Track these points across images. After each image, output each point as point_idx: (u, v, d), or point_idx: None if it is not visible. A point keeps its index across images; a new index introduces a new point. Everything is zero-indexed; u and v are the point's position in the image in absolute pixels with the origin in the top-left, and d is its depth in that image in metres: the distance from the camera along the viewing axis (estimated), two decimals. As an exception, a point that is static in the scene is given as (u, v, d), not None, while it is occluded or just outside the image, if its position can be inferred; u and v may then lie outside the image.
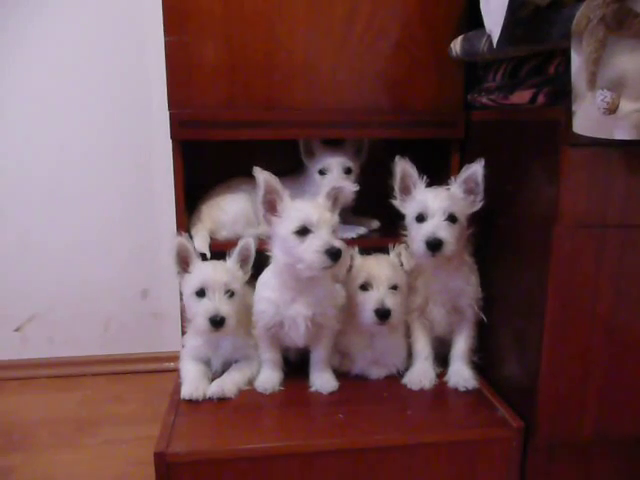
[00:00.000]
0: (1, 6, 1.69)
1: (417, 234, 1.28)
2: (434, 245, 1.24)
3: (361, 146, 1.58)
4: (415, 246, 1.29)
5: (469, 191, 1.31)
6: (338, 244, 1.19)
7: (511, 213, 1.28)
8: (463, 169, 1.32)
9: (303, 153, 1.55)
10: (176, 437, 1.16)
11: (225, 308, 1.27)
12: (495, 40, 1.07)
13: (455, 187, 1.32)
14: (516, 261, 1.27)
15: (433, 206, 1.27)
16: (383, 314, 1.28)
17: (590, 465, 1.25)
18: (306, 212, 1.21)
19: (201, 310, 1.28)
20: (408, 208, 1.34)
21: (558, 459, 1.23)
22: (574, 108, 0.94)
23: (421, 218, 1.29)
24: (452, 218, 1.27)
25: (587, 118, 0.92)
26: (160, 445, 1.12)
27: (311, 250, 1.18)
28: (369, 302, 1.30)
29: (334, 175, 1.50)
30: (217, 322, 1.26)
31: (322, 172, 1.52)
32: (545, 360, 1.15)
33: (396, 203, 1.36)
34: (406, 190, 1.35)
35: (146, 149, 1.83)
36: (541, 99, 1.10)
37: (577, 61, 0.90)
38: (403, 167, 1.33)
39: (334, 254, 1.18)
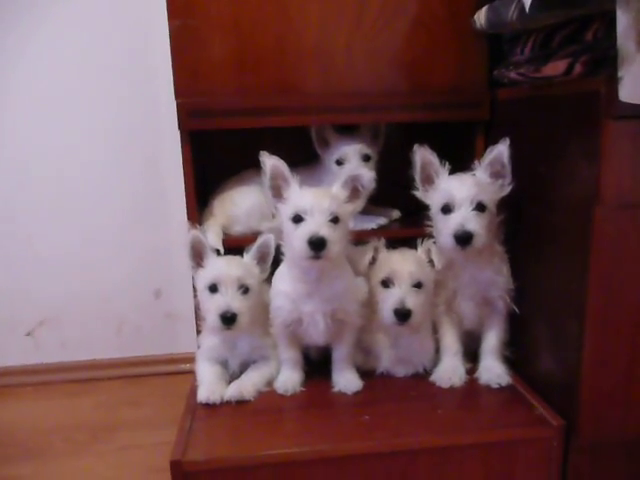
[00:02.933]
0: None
1: (444, 227, 1.20)
2: (464, 239, 1.16)
3: (378, 131, 1.50)
4: (442, 240, 1.21)
5: (496, 175, 1.23)
6: (323, 233, 1.12)
7: (545, 197, 1.19)
8: (487, 151, 1.24)
9: (316, 142, 1.48)
10: (193, 444, 1.10)
11: (237, 304, 1.22)
12: (527, 4, 0.98)
13: (480, 172, 1.24)
14: (551, 248, 1.18)
15: (459, 195, 1.19)
16: (403, 315, 1.21)
17: (636, 465, 1.16)
18: (301, 198, 1.16)
19: (212, 306, 1.22)
20: (432, 199, 1.26)
21: (602, 459, 1.15)
22: (620, 74, 0.86)
23: (447, 209, 1.21)
24: (480, 207, 1.19)
25: (636, 84, 0.84)
26: (176, 453, 1.06)
27: (297, 238, 1.13)
28: (389, 300, 1.23)
29: (353, 164, 1.43)
30: (228, 319, 1.21)
31: (339, 162, 1.45)
32: (587, 355, 1.07)
33: (418, 194, 1.28)
34: (428, 179, 1.27)
35: (156, 144, 1.78)
36: (578, 69, 1.01)
37: (624, 20, 0.81)
38: (423, 155, 1.26)
39: (314, 243, 1.11)
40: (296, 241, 1.14)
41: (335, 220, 1.15)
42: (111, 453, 1.47)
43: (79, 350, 1.88)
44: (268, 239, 1.30)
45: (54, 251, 1.82)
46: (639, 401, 1.09)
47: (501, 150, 1.21)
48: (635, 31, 0.79)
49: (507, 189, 1.23)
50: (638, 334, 1.06)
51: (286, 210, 1.18)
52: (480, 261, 1.25)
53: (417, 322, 1.24)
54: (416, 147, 1.25)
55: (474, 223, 1.17)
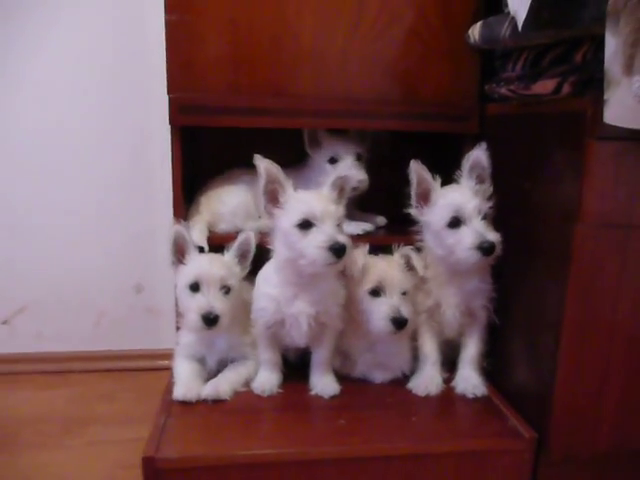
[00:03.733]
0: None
1: (458, 241, 1.19)
2: (489, 249, 1.16)
3: (365, 134, 1.52)
4: (462, 254, 1.19)
5: (479, 180, 1.24)
6: (343, 239, 1.12)
7: (528, 211, 1.21)
8: (465, 158, 1.25)
9: (308, 143, 1.48)
10: (166, 441, 1.09)
11: (220, 305, 1.21)
12: (520, 23, 1.00)
13: (466, 180, 1.25)
14: (532, 262, 1.20)
15: (468, 207, 1.19)
16: (401, 323, 1.21)
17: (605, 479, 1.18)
18: (309, 204, 1.14)
19: (194, 306, 1.21)
20: (433, 215, 1.25)
21: (572, 472, 1.16)
22: (606, 96, 0.88)
23: (456, 223, 1.21)
24: (485, 216, 1.21)
25: (621, 107, 0.85)
26: (149, 449, 1.06)
27: (314, 245, 1.11)
28: (382, 310, 1.22)
29: (347, 162, 1.43)
30: (210, 320, 1.20)
31: (333, 160, 1.45)
32: (561, 369, 1.09)
33: (413, 212, 1.28)
34: (424, 196, 1.26)
35: (145, 135, 1.75)
36: (566, 89, 1.03)
37: (612, 44, 0.83)
38: (418, 171, 1.25)
39: (338, 250, 1.11)
40: (310, 248, 1.11)
41: (339, 224, 1.16)
42: (82, 447, 1.44)
43: (56, 341, 1.85)
44: (248, 237, 1.30)
45: (34, 239, 1.79)
46: (610, 418, 1.11)
47: (478, 154, 1.23)
48: (622, 56, 0.81)
49: (490, 194, 1.23)
50: (612, 351, 1.08)
51: (289, 215, 1.15)
52: (468, 271, 1.26)
53: (410, 329, 1.25)
54: (412, 163, 1.24)
55: (493, 233, 1.18)
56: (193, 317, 1.21)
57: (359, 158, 1.47)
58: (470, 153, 1.25)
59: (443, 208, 1.23)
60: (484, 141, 1.28)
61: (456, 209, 1.20)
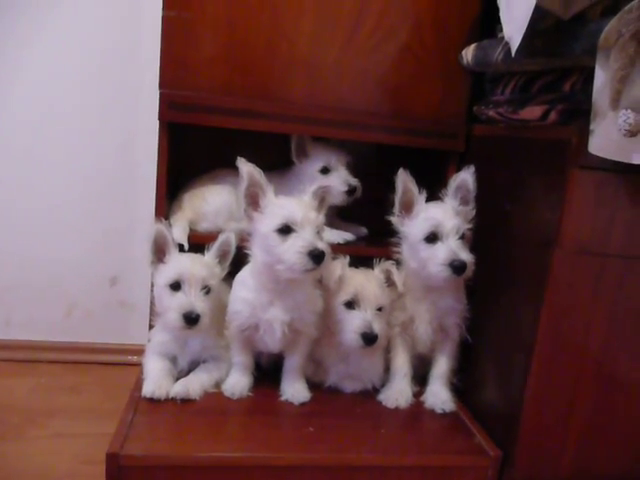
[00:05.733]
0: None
1: (431, 256, 1.20)
2: (460, 268, 1.17)
3: (349, 144, 1.52)
4: (433, 269, 1.20)
5: (463, 201, 1.26)
6: (322, 246, 1.12)
7: (507, 233, 1.23)
8: (452, 179, 1.27)
9: (295, 151, 1.48)
10: (132, 438, 1.08)
11: (201, 305, 1.20)
12: (514, 49, 1.02)
13: (450, 200, 1.27)
14: (508, 283, 1.22)
15: (448, 225, 1.20)
16: (371, 339, 1.21)
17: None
18: (290, 210, 1.14)
19: (175, 305, 1.20)
20: (412, 227, 1.26)
21: (533, 494, 1.18)
22: (592, 127, 0.90)
23: (433, 238, 1.22)
24: (462, 236, 1.22)
25: (605, 138, 0.88)
26: (114, 445, 1.04)
27: (293, 251, 1.11)
28: (355, 323, 1.22)
29: (341, 172, 1.45)
30: (192, 319, 1.19)
31: (325, 170, 1.46)
32: (530, 389, 1.11)
33: (395, 220, 1.29)
34: (407, 206, 1.27)
35: (131, 128, 1.74)
36: (553, 116, 1.05)
37: (601, 77, 0.85)
38: (404, 181, 1.26)
39: (317, 256, 1.11)
40: (289, 253, 1.11)
41: (319, 232, 1.16)
42: (45, 439, 1.41)
43: (24, 329, 1.81)
44: (229, 237, 1.30)
45: (8, 221, 1.76)
46: (575, 441, 1.13)
47: (465, 177, 1.25)
48: (610, 90, 0.83)
49: (472, 214, 1.25)
50: (581, 376, 1.10)
51: (268, 220, 1.15)
52: (442, 288, 1.27)
53: (380, 345, 1.25)
54: (400, 172, 1.26)
55: (466, 253, 1.19)
56: (173, 316, 1.20)
57: (349, 167, 1.48)
58: (457, 174, 1.27)
59: (423, 222, 1.24)
60: (469, 160, 1.31)
61: (435, 225, 1.22)
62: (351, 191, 1.44)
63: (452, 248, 1.19)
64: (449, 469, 1.15)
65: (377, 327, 1.21)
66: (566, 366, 1.09)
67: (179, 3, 1.28)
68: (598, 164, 0.97)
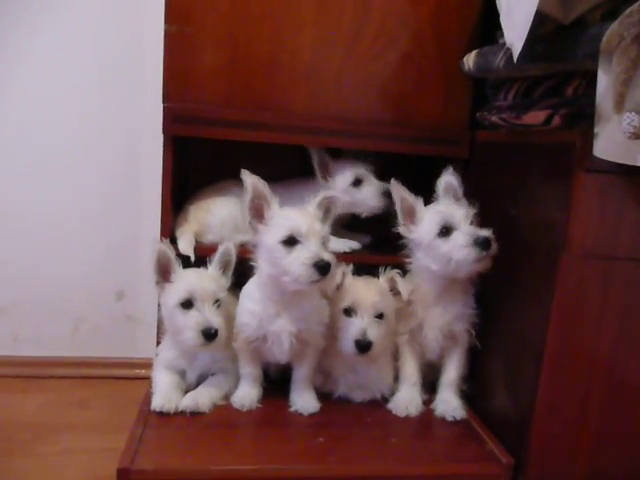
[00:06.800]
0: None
1: (453, 245, 1.20)
2: (486, 244, 1.17)
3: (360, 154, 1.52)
4: (459, 255, 1.19)
5: (455, 200, 1.28)
6: (328, 257, 1.12)
7: (513, 238, 1.22)
8: (437, 183, 1.30)
9: (319, 170, 1.47)
10: (142, 452, 1.07)
11: (217, 319, 1.20)
12: (516, 54, 1.02)
13: (443, 200, 1.29)
14: (516, 289, 1.21)
15: (457, 215, 1.22)
16: (364, 346, 1.20)
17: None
18: (295, 221, 1.14)
19: (191, 323, 1.19)
20: (421, 230, 1.26)
21: (547, 500, 1.17)
22: (596, 130, 0.90)
23: (446, 231, 1.22)
24: (472, 222, 1.23)
25: (610, 142, 0.88)
26: (124, 460, 1.04)
27: (298, 262, 1.11)
28: (351, 330, 1.22)
29: (373, 183, 1.47)
30: (211, 335, 1.18)
31: (358, 182, 1.46)
32: (541, 396, 1.10)
33: (402, 230, 1.29)
34: (409, 214, 1.28)
35: (136, 142, 1.75)
36: (557, 120, 1.05)
37: (604, 81, 0.86)
38: (398, 191, 1.28)
39: (323, 268, 1.10)
40: (294, 265, 1.11)
41: (324, 243, 1.16)
42: (54, 455, 1.41)
43: (31, 345, 1.81)
44: (229, 247, 1.29)
45: (15, 237, 1.76)
46: (588, 447, 1.12)
47: (449, 178, 1.28)
48: (613, 93, 0.83)
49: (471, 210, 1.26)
50: (592, 380, 1.09)
51: (274, 232, 1.15)
52: (452, 293, 1.27)
53: (376, 353, 1.24)
54: (392, 183, 1.28)
55: (484, 230, 1.20)
56: (191, 334, 1.19)
57: (375, 174, 1.48)
58: (440, 178, 1.29)
59: (431, 220, 1.24)
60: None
61: (445, 218, 1.23)
62: (389, 194, 1.39)
63: (469, 231, 1.20)
64: (462, 477, 1.14)
65: (372, 334, 1.21)
66: (576, 370, 1.08)
67: (180, 18, 1.29)
68: (603, 167, 0.97)
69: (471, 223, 1.23)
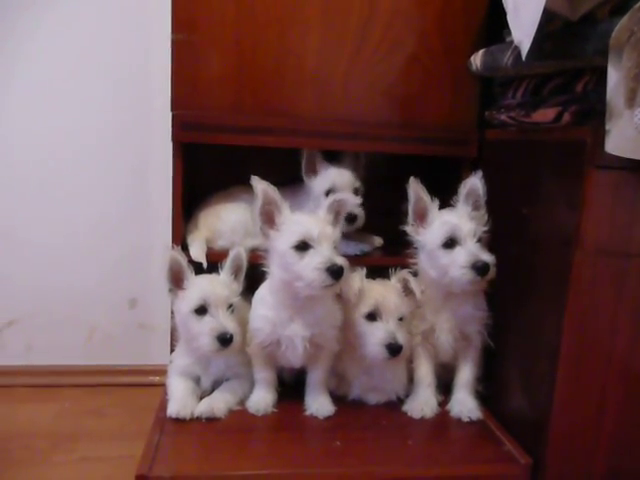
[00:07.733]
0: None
1: (452, 261, 1.20)
2: (483, 269, 1.17)
3: (359, 162, 1.52)
4: (456, 273, 1.19)
5: (475, 207, 1.26)
6: (340, 261, 1.12)
7: (526, 237, 1.22)
8: (462, 185, 1.27)
9: (305, 168, 1.47)
10: (160, 459, 1.08)
11: (231, 325, 1.21)
12: (524, 52, 1.02)
13: (461, 205, 1.27)
14: (529, 288, 1.21)
15: (464, 228, 1.21)
16: (395, 350, 1.20)
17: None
18: (306, 226, 1.14)
19: (206, 329, 1.19)
20: (428, 235, 1.26)
21: (566, 500, 1.16)
22: (608, 127, 0.89)
23: (451, 243, 1.21)
24: (480, 239, 1.22)
25: (622, 138, 0.87)
26: (142, 467, 1.04)
27: (311, 267, 1.11)
28: (378, 335, 1.21)
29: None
30: (226, 340, 1.19)
31: (330, 192, 1.43)
32: (558, 395, 1.09)
33: (410, 230, 1.29)
34: (420, 215, 1.28)
35: (145, 150, 1.76)
36: (567, 118, 1.05)
37: (614, 77, 0.85)
38: (416, 190, 1.26)
39: (336, 272, 1.10)
40: (307, 270, 1.11)
41: (335, 246, 1.16)
42: (71, 464, 1.41)
43: (46, 354, 1.82)
44: (239, 252, 1.30)
45: (28, 249, 1.77)
46: (606, 446, 1.11)
47: (474, 182, 1.25)
48: (624, 88, 0.83)
49: (484, 219, 1.25)
50: (609, 378, 1.08)
51: (285, 237, 1.15)
52: (461, 296, 1.27)
53: (404, 355, 1.24)
54: (411, 180, 1.26)
55: (487, 254, 1.19)
56: (206, 340, 1.19)
57: (356, 192, 1.44)
58: (466, 180, 1.27)
59: (439, 228, 1.24)
60: (482, 165, 1.30)
61: (452, 230, 1.21)
62: (351, 219, 1.38)
63: (472, 250, 1.19)
64: (480, 478, 1.13)
65: (401, 337, 1.21)
66: (593, 368, 1.08)
67: (187, 26, 1.30)
68: (615, 163, 0.96)
69: (479, 240, 1.21)
